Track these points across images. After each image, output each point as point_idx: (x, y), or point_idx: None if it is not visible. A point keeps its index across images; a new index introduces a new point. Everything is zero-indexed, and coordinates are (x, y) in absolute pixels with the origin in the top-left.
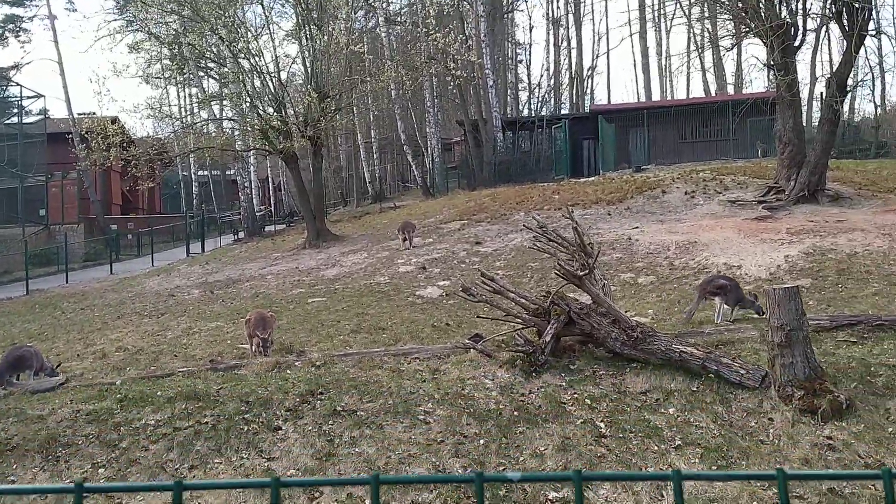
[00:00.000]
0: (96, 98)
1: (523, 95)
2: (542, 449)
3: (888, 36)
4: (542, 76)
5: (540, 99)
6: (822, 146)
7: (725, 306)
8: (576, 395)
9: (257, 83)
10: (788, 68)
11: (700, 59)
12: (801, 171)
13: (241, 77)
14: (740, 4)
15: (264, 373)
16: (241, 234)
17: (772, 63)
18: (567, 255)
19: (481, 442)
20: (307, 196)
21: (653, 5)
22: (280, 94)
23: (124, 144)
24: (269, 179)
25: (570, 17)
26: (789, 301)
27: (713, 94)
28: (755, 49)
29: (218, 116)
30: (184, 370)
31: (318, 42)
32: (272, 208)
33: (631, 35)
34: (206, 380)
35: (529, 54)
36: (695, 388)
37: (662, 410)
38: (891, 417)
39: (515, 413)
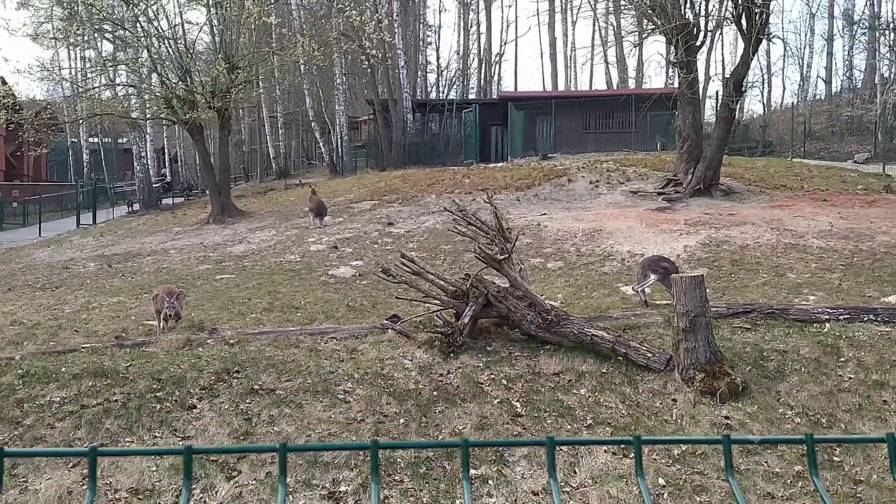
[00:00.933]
0: None
1: (431, 77)
2: (461, 428)
3: (782, 40)
4: (450, 59)
5: (448, 82)
6: (717, 143)
7: (658, 286)
8: (492, 376)
9: (157, 45)
10: (690, 67)
11: (604, 53)
12: (697, 165)
13: (144, 41)
14: (647, 2)
15: (175, 350)
16: (137, 206)
17: (674, 61)
18: (486, 238)
19: (401, 421)
20: (212, 169)
21: None
22: (186, 62)
23: (16, 107)
24: (166, 150)
25: (481, 1)
26: (695, 289)
27: (615, 87)
28: (658, 46)
29: (114, 81)
30: (88, 346)
31: (227, 9)
32: (169, 180)
33: (539, 25)
34: (114, 356)
35: (439, 37)
36: (605, 370)
37: (575, 391)
38: (781, 399)
39: (434, 393)
